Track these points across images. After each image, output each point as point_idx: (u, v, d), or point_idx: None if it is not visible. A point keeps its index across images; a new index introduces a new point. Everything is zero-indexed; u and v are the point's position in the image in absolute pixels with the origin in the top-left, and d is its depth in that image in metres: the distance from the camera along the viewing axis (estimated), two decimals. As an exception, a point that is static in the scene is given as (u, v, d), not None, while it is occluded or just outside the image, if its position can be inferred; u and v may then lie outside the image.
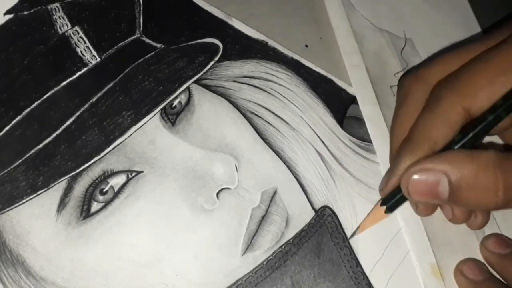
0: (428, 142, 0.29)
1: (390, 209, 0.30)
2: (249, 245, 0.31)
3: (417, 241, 0.32)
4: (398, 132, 0.31)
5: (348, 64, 0.37)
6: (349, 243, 0.31)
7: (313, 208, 0.32)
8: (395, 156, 0.30)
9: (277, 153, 0.33)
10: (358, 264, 0.31)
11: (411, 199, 0.28)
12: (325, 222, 0.32)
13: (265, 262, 0.30)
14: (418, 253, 0.32)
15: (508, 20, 0.31)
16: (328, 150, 0.34)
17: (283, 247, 0.31)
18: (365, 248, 0.32)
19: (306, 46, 0.37)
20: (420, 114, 0.30)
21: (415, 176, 0.27)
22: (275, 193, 0.32)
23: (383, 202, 0.30)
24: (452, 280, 0.32)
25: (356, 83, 0.36)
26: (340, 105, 0.36)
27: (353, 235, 0.32)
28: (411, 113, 0.31)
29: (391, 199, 0.30)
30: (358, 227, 0.32)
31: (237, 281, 0.30)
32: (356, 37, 0.38)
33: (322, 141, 0.34)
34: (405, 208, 0.32)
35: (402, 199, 0.30)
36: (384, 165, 0.34)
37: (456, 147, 0.28)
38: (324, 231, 0.32)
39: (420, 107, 0.30)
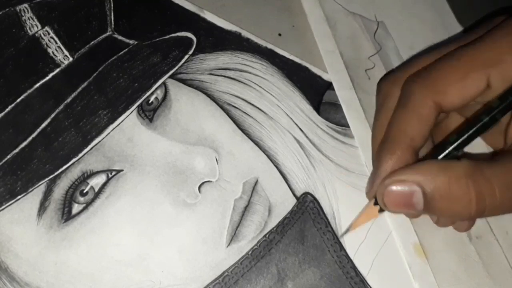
0: (405, 139, 0.28)
1: (382, 209, 0.29)
2: (233, 237, 0.31)
3: (399, 222, 0.33)
4: (378, 135, 0.31)
5: (322, 50, 0.37)
6: (331, 228, 0.32)
7: (295, 196, 0.33)
8: (375, 157, 0.30)
9: (256, 143, 0.34)
10: (341, 248, 0.31)
11: (388, 210, 0.28)
12: (307, 209, 0.32)
13: (250, 252, 0.31)
14: (401, 233, 0.32)
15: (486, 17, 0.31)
16: (307, 137, 0.34)
17: (267, 236, 0.31)
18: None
19: (280, 35, 0.37)
20: (393, 111, 0.30)
21: (390, 188, 0.27)
22: (256, 183, 0.32)
23: (376, 201, 0.30)
24: (436, 258, 0.32)
25: (331, 69, 0.37)
26: (316, 92, 0.36)
27: (346, 232, 0.32)
28: (389, 116, 0.30)
29: None
30: (351, 224, 0.31)
31: (223, 273, 0.30)
32: (329, 22, 0.38)
33: (300, 129, 0.35)
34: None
35: None
36: (362, 147, 0.34)
37: (450, 148, 0.28)
38: (306, 218, 0.32)
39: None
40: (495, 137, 0.31)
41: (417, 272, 0.31)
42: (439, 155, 0.28)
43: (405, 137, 0.28)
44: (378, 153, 0.29)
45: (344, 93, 0.36)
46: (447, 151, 0.28)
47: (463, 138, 0.28)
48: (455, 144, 0.28)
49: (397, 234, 0.32)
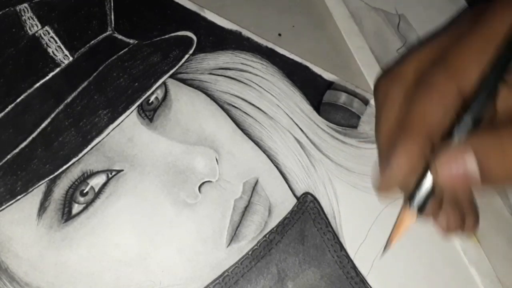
0: (425, 126, 0.27)
1: (420, 208, 0.27)
2: (233, 237, 0.31)
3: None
4: (385, 131, 0.30)
5: (352, 47, 0.37)
6: (332, 228, 0.32)
7: (295, 196, 0.32)
8: (389, 149, 0.28)
9: (256, 143, 0.34)
10: (342, 248, 0.31)
11: (442, 186, 0.26)
12: (307, 209, 0.32)
13: (250, 252, 0.31)
14: None
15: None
16: (307, 137, 0.34)
17: (267, 236, 0.31)
18: (348, 231, 0.32)
19: (280, 35, 0.37)
20: (413, 99, 0.28)
21: (444, 158, 0.25)
22: (256, 183, 0.32)
23: (409, 200, 0.27)
24: (488, 242, 0.33)
25: (364, 64, 0.37)
26: (316, 92, 0.36)
27: (386, 250, 0.29)
28: (394, 111, 0.29)
29: (415, 195, 0.27)
30: (389, 239, 0.28)
31: (223, 273, 0.30)
32: (355, 19, 0.38)
33: (300, 129, 0.34)
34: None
35: (428, 195, 0.27)
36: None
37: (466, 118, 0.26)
38: (306, 218, 0.32)
39: (401, 105, 0.29)
40: None
41: (473, 257, 0.32)
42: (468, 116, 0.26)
43: (425, 125, 0.27)
44: (394, 142, 0.27)
45: None
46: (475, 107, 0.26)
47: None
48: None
49: None
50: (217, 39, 0.36)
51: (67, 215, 0.30)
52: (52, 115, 0.32)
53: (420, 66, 0.29)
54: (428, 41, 0.30)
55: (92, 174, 0.31)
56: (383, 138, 0.30)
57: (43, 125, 0.32)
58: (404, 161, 0.27)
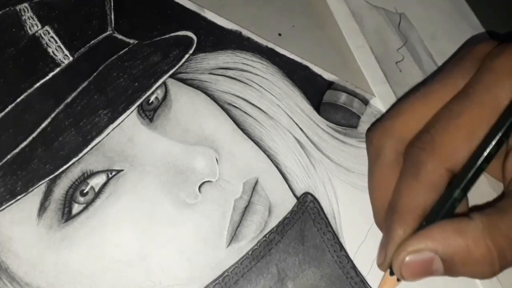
0: (417, 210, 0.27)
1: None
2: (233, 237, 0.31)
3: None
4: (379, 195, 0.30)
5: (352, 47, 0.37)
6: (332, 228, 0.32)
7: (295, 196, 0.32)
8: (385, 228, 0.29)
9: (256, 143, 0.34)
10: (342, 248, 0.31)
11: (407, 280, 0.27)
12: (307, 209, 0.32)
13: (250, 252, 0.31)
14: None
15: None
16: (307, 136, 0.34)
17: (267, 236, 0.31)
18: (348, 231, 0.32)
19: (280, 34, 0.37)
20: (400, 180, 0.29)
21: (407, 260, 0.26)
22: (256, 183, 0.32)
23: (392, 271, 0.28)
24: None
25: (364, 64, 0.37)
26: (316, 91, 0.36)
27: None
28: (387, 173, 0.30)
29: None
30: None
31: (223, 273, 0.30)
32: (355, 18, 0.38)
33: (301, 128, 0.34)
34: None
35: None
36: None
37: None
38: (306, 218, 0.32)
39: (394, 165, 0.29)
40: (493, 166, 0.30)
41: None
42: (442, 210, 0.27)
43: (417, 208, 0.27)
44: (388, 223, 0.28)
45: (379, 89, 0.36)
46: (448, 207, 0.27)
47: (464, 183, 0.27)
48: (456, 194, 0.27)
49: None
50: (217, 39, 0.36)
51: (67, 215, 0.30)
52: (52, 115, 0.32)
53: (412, 122, 0.30)
54: (421, 90, 0.30)
55: (92, 174, 0.31)
56: (377, 206, 0.30)
57: (43, 125, 0.32)
58: (398, 243, 0.27)
